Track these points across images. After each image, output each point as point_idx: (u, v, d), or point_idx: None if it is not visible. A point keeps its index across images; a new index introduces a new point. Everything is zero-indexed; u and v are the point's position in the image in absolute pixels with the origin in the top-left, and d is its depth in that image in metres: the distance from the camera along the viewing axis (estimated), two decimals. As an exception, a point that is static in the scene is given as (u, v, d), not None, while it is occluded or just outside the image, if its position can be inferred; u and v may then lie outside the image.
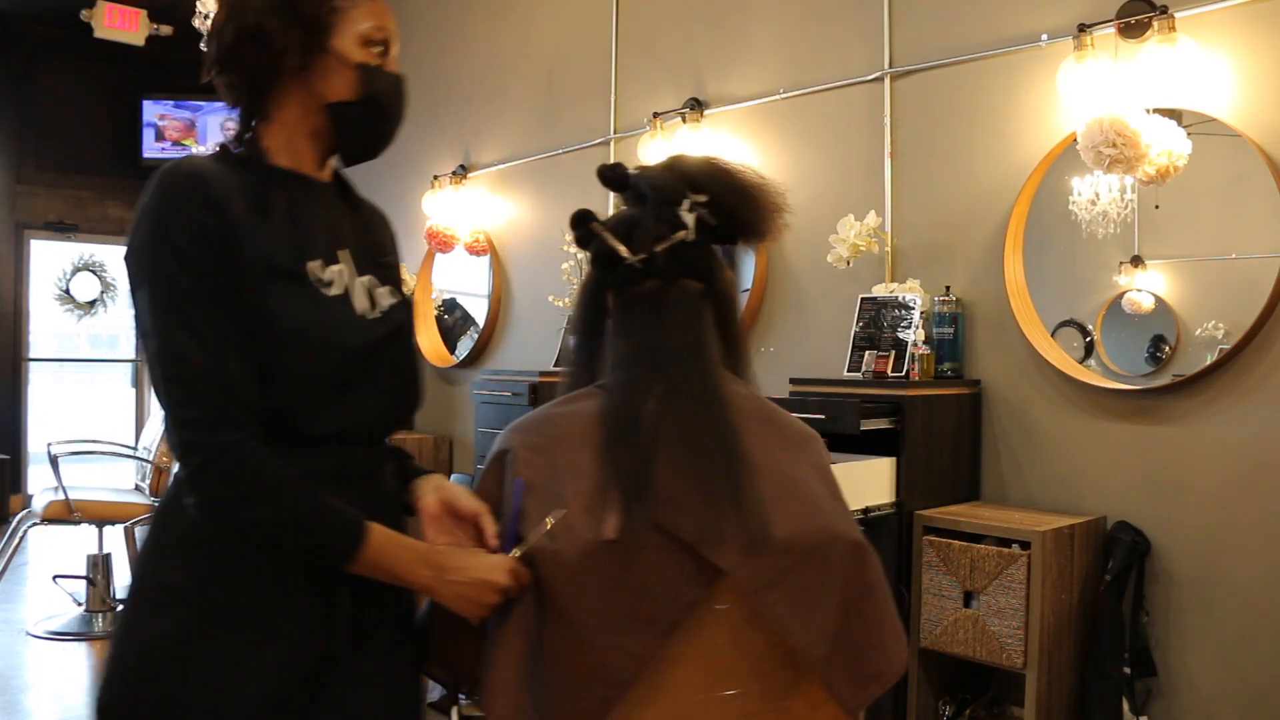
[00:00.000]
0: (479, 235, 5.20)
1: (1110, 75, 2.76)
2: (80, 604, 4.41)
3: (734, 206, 1.32)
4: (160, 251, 1.16)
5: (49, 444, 4.47)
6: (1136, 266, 2.87)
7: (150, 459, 4.63)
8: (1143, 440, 2.80)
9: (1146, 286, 2.86)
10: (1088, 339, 2.98)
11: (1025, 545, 2.62)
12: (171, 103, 7.26)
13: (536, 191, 4.98)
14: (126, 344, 8.43)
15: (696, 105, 4.02)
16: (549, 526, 1.20)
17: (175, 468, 1.21)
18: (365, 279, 1.32)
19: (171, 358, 1.16)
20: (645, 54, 4.41)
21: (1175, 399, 2.74)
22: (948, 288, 3.19)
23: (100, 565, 4.39)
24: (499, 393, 4.24)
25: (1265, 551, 2.56)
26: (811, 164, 3.67)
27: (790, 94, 3.75)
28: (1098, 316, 2.96)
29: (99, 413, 9.35)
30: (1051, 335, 3.02)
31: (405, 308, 1.37)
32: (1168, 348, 2.82)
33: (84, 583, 4.39)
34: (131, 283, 1.21)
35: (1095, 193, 2.91)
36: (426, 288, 5.61)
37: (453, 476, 4.88)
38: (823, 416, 2.82)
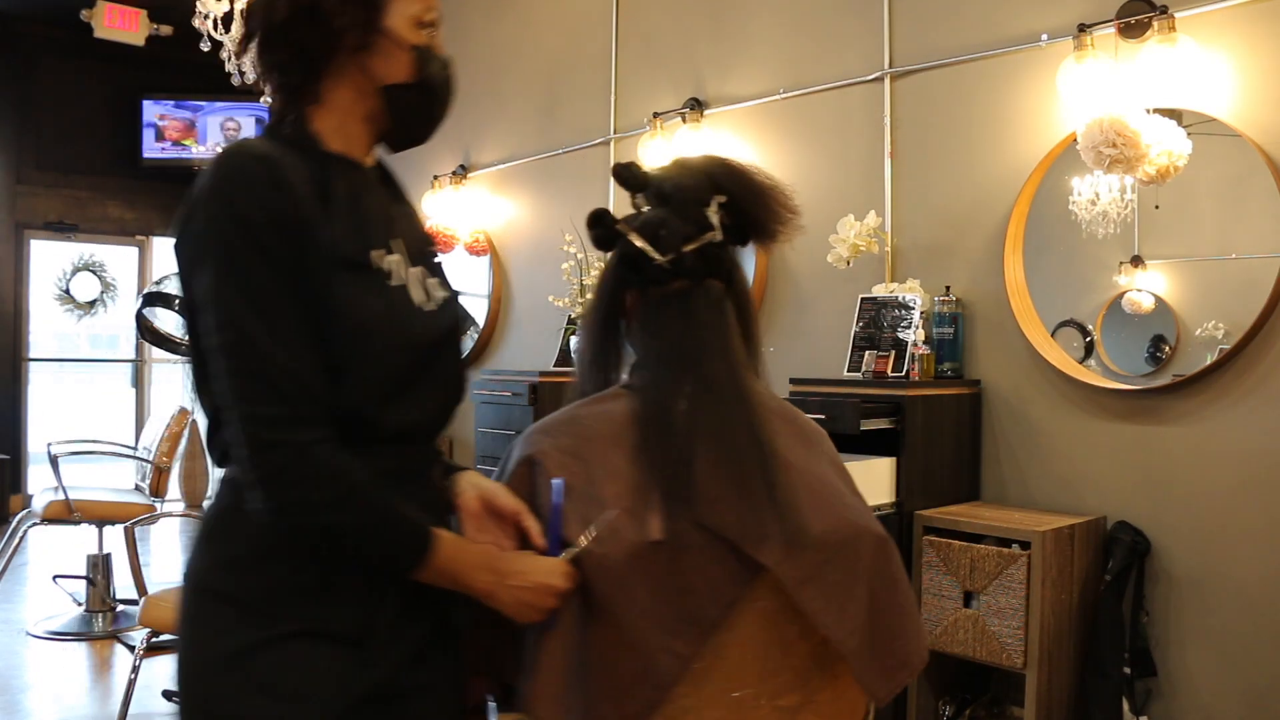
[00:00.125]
0: (479, 235, 5.21)
1: (1110, 75, 2.76)
2: (80, 604, 4.40)
3: (751, 207, 1.33)
4: (231, 236, 1.10)
5: (49, 444, 4.47)
6: (1136, 266, 2.87)
7: (150, 459, 4.63)
8: (1143, 440, 2.80)
9: (1146, 286, 2.86)
10: (1088, 339, 2.98)
11: (1025, 545, 2.62)
12: (171, 103, 7.26)
13: (536, 191, 4.98)
14: (126, 344, 8.43)
15: (696, 105, 4.02)
16: (601, 528, 1.19)
17: (210, 469, 1.17)
18: (417, 270, 1.27)
19: (245, 350, 1.09)
20: (645, 54, 4.41)
21: (1175, 399, 2.74)
22: (948, 288, 3.19)
23: (100, 565, 4.38)
24: (499, 393, 4.24)
25: (1265, 551, 2.56)
26: (811, 164, 3.67)
27: (790, 94, 3.75)
28: (1098, 316, 2.96)
29: (99, 413, 9.34)
30: (1051, 335, 3.02)
31: (457, 301, 1.33)
32: (1168, 348, 2.82)
33: (84, 583, 4.39)
34: (190, 269, 1.14)
35: (1095, 193, 2.91)
36: (426, 288, 5.60)
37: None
38: (823, 416, 2.82)
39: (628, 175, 1.38)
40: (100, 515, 4.30)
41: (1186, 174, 2.66)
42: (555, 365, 4.54)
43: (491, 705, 1.32)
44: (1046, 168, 2.99)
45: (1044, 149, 2.99)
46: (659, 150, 4.05)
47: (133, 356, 7.95)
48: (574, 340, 3.21)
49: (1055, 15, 2.97)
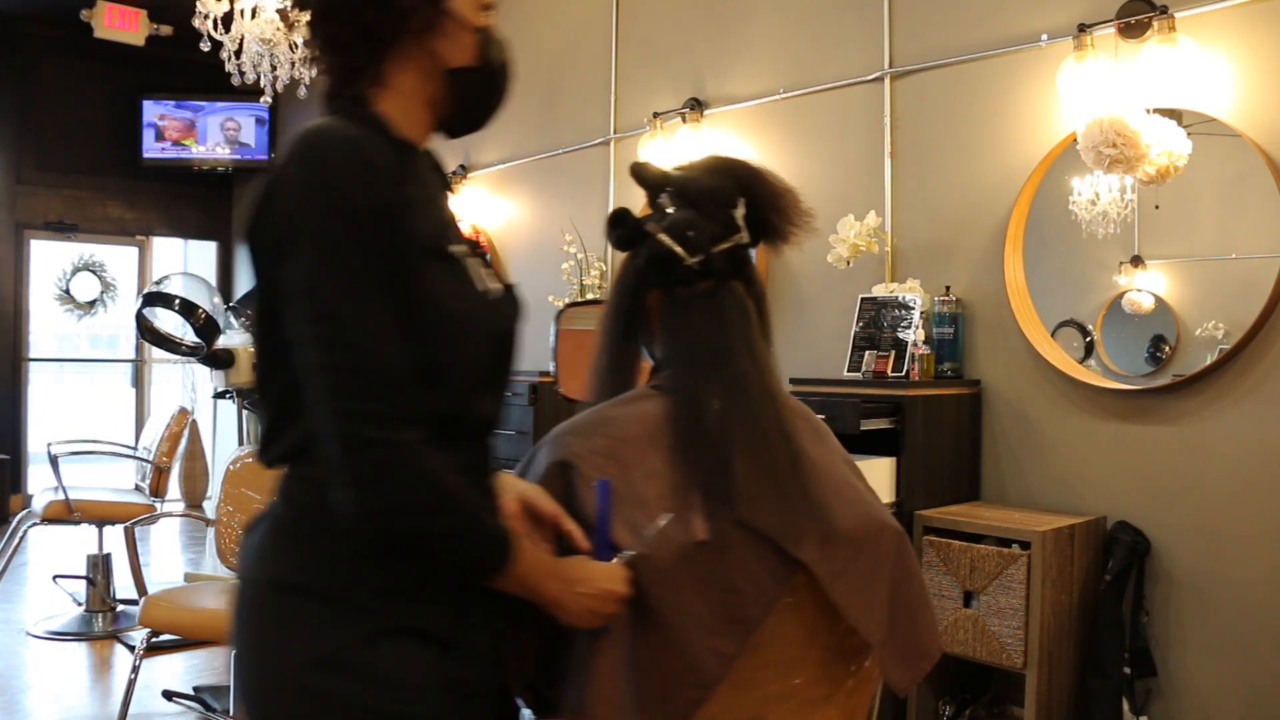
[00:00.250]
0: (479, 235, 5.21)
1: (1110, 75, 2.76)
2: (80, 604, 4.40)
3: (769, 210, 1.35)
4: (331, 223, 1.04)
5: (49, 444, 4.47)
6: (1136, 266, 2.87)
7: (150, 459, 4.62)
8: (1143, 440, 2.80)
9: (1146, 286, 2.86)
10: (1088, 339, 2.98)
11: (1025, 545, 2.62)
12: (172, 103, 7.25)
13: (536, 191, 4.98)
14: (126, 344, 8.43)
15: (696, 105, 4.02)
16: (659, 528, 1.20)
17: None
18: (475, 259, 1.22)
19: (344, 343, 1.04)
20: (645, 54, 4.41)
21: (1175, 399, 2.74)
22: (948, 288, 3.19)
23: (100, 565, 4.38)
24: (499, 393, 4.24)
25: (1266, 551, 2.56)
26: (811, 164, 3.67)
27: (790, 94, 3.75)
28: (1098, 316, 2.96)
29: (99, 413, 9.35)
30: (1051, 335, 3.02)
31: (516, 290, 1.29)
32: (1168, 348, 2.82)
33: (84, 583, 4.39)
34: (274, 257, 1.08)
35: (1095, 193, 2.91)
36: (426, 288, 5.60)
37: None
38: (823, 416, 2.80)
39: (646, 174, 1.38)
40: (100, 515, 4.30)
41: (1186, 174, 2.66)
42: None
43: (526, 712, 1.32)
44: (1046, 168, 2.99)
45: (1044, 149, 2.99)
46: (659, 150, 4.05)
47: (133, 356, 7.95)
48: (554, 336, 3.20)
49: (1055, 15, 2.97)
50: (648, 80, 4.36)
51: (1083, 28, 2.80)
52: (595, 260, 4.43)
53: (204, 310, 4.95)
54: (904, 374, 3.08)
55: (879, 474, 2.84)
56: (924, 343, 3.09)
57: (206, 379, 6.02)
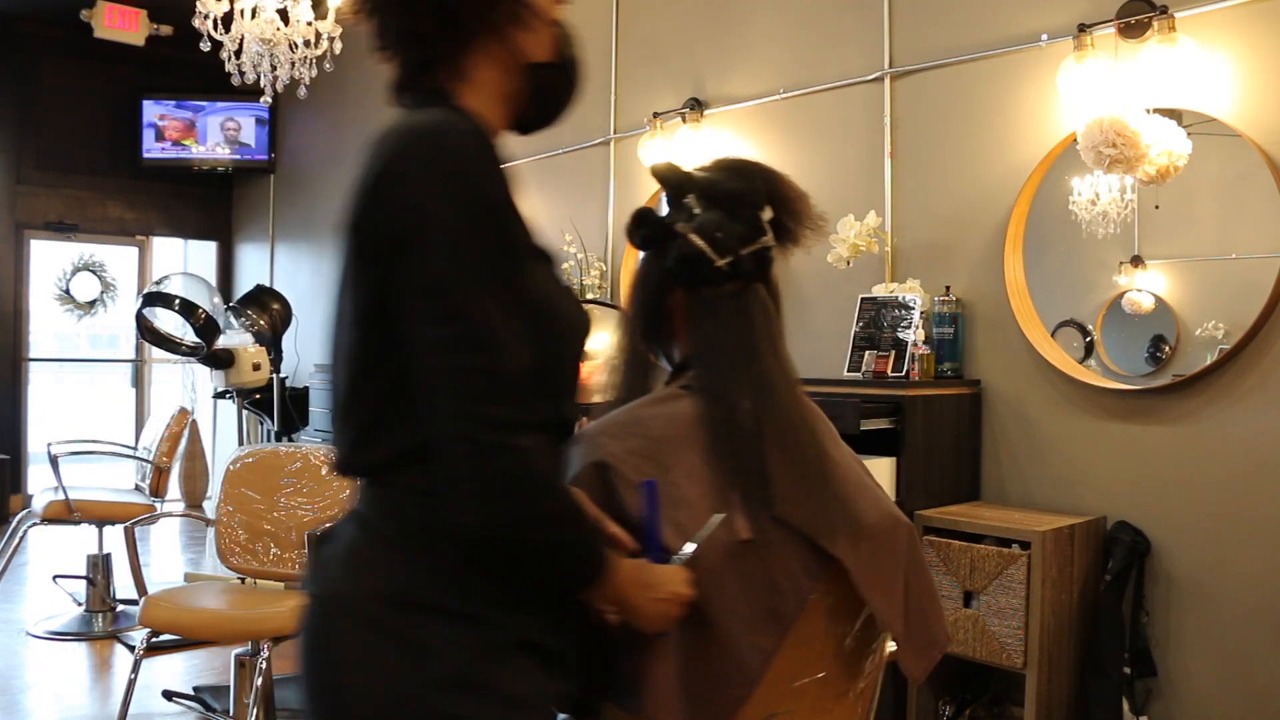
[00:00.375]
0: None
1: (1110, 75, 2.76)
2: (80, 604, 4.40)
3: (788, 214, 1.38)
4: (462, 221, 1.00)
5: (49, 444, 4.47)
6: (1136, 266, 2.87)
7: (150, 459, 4.62)
8: (1143, 440, 2.80)
9: (1146, 286, 2.86)
10: (1088, 339, 2.98)
11: (1025, 545, 2.62)
12: (172, 103, 7.26)
13: (536, 191, 4.98)
14: (126, 344, 8.43)
15: (696, 105, 4.02)
16: (713, 528, 1.21)
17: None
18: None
19: (477, 345, 0.99)
20: (645, 54, 4.41)
21: (1175, 399, 2.74)
22: (948, 288, 3.19)
23: (100, 565, 4.38)
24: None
25: (1266, 551, 2.56)
26: (811, 164, 3.67)
27: (790, 94, 3.75)
28: (1098, 316, 2.96)
29: (99, 413, 9.34)
30: (1051, 335, 3.02)
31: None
32: (1168, 348, 2.82)
33: (84, 583, 4.39)
34: (387, 251, 1.02)
35: (1095, 193, 2.91)
36: (426, 288, 5.60)
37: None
38: (823, 416, 2.81)
39: (669, 174, 1.39)
40: (100, 515, 4.30)
41: (1186, 174, 2.66)
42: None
43: (563, 717, 1.32)
44: (1046, 168, 2.99)
45: (1044, 149, 2.99)
46: (659, 150, 4.05)
47: (133, 356, 7.95)
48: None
49: (1055, 15, 2.97)
50: (648, 80, 4.36)
51: (1083, 28, 2.80)
52: (595, 260, 4.43)
53: (204, 310, 4.95)
54: (904, 374, 3.08)
55: (879, 474, 2.83)
56: (924, 343, 3.09)
57: (206, 379, 6.02)
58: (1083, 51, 2.79)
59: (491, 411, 0.99)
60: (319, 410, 5.68)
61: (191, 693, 3.46)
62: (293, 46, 3.98)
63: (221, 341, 5.11)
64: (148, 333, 5.11)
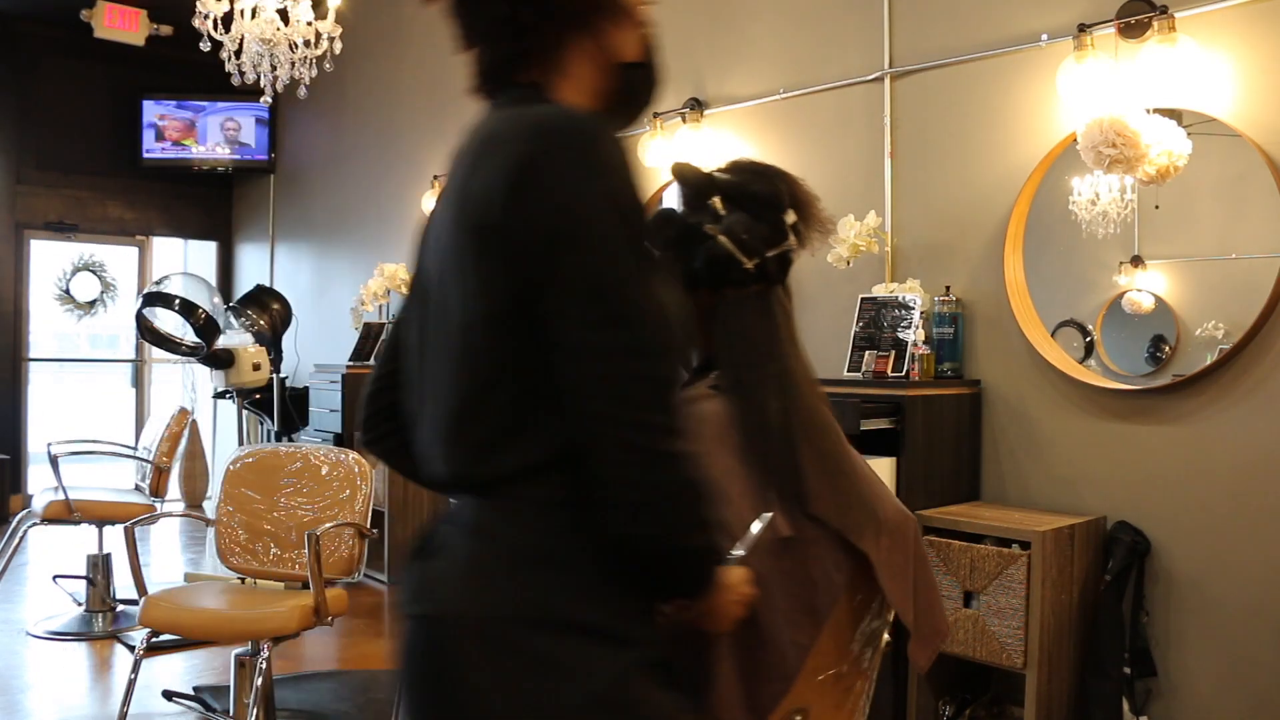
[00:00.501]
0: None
1: (1110, 75, 2.76)
2: (80, 604, 4.40)
3: (805, 217, 1.40)
4: (618, 224, 0.97)
5: (49, 444, 4.47)
6: (1136, 266, 2.87)
7: (150, 459, 4.62)
8: (1143, 440, 2.80)
9: (1146, 286, 2.86)
10: (1088, 339, 2.98)
11: (1025, 545, 2.62)
12: (172, 103, 7.26)
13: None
14: (126, 344, 8.43)
15: (696, 105, 4.02)
16: (764, 526, 1.23)
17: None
18: None
19: (642, 351, 0.96)
20: (645, 54, 4.41)
21: (1175, 399, 2.74)
22: (948, 288, 3.19)
23: (100, 565, 4.38)
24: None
25: (1266, 551, 2.56)
26: (811, 164, 3.67)
27: (790, 94, 3.75)
28: (1098, 316, 2.96)
29: (99, 413, 9.34)
30: (1051, 335, 3.02)
31: None
32: (1168, 348, 2.82)
33: (84, 583, 4.39)
34: (547, 255, 0.97)
35: (1095, 193, 2.91)
36: (426, 288, 5.60)
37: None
38: (823, 416, 2.82)
39: (692, 175, 1.41)
40: (100, 515, 4.30)
41: (1186, 174, 2.66)
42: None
43: None
44: (1046, 168, 2.99)
45: (1044, 149, 2.99)
46: (659, 150, 4.05)
47: (133, 356, 7.95)
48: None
49: (1055, 15, 2.97)
50: (648, 80, 4.36)
51: (1083, 28, 2.80)
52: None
53: (204, 310, 4.95)
54: (904, 374, 3.08)
55: (879, 474, 2.83)
56: (924, 343, 3.09)
57: (206, 379, 6.02)
58: (1083, 51, 2.79)
59: (657, 419, 0.96)
60: (319, 410, 5.68)
61: (191, 693, 3.46)
62: (293, 46, 3.98)
63: (221, 341, 5.11)
64: (148, 333, 5.11)
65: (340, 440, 5.36)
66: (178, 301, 4.93)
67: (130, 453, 4.98)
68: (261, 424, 6.23)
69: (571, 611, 1.01)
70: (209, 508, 6.67)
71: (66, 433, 4.92)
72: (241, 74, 4.03)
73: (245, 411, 5.60)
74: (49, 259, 7.29)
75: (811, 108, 3.70)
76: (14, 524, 4.47)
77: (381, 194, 6.11)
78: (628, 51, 1.16)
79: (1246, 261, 2.67)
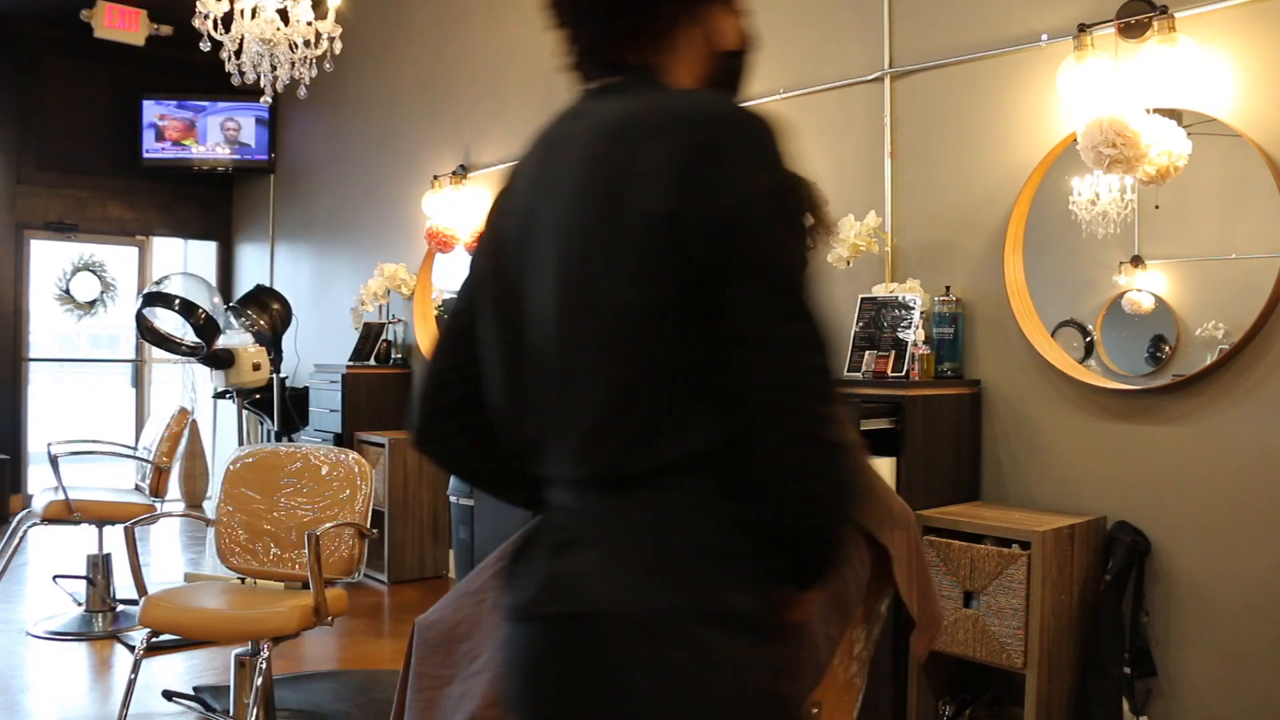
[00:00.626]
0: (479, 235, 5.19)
1: (1110, 75, 2.76)
2: (80, 604, 4.40)
3: (816, 219, 1.42)
4: (795, 218, 0.99)
5: (49, 444, 4.47)
6: (1136, 266, 2.87)
7: (150, 459, 4.62)
8: (1143, 440, 2.80)
9: (1146, 286, 2.86)
10: (1088, 339, 2.98)
11: (1025, 545, 2.62)
12: (173, 103, 7.26)
13: (536, 191, 4.97)
14: (126, 344, 8.43)
15: (696, 105, 4.02)
16: None
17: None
18: None
19: (820, 344, 0.97)
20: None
21: (1175, 399, 2.74)
22: (948, 288, 3.19)
23: (100, 565, 4.38)
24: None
25: (1266, 551, 2.56)
26: (811, 164, 3.67)
27: (790, 94, 3.75)
28: (1098, 316, 2.96)
29: (99, 413, 9.35)
30: (1051, 335, 3.02)
31: None
32: (1168, 348, 2.82)
33: (84, 583, 4.39)
34: (725, 244, 0.96)
35: (1095, 193, 2.91)
36: (426, 288, 5.61)
37: (452, 477, 4.88)
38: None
39: None
40: (100, 515, 4.30)
41: (1186, 174, 2.66)
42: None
43: None
44: (1046, 168, 2.99)
45: (1044, 149, 2.99)
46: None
47: (133, 356, 7.95)
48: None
49: (1055, 15, 2.97)
50: (648, 80, 4.36)
51: (1083, 28, 2.80)
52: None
53: (204, 310, 4.95)
54: (904, 374, 3.08)
55: (879, 474, 2.84)
56: (924, 343, 3.09)
57: (206, 379, 6.02)
58: (1083, 51, 2.79)
59: (831, 411, 0.96)
60: (319, 410, 5.68)
61: (191, 693, 3.46)
62: (293, 46, 3.98)
63: (221, 341, 5.11)
64: (148, 333, 5.11)
65: (340, 440, 5.37)
66: (178, 301, 4.93)
67: (130, 453, 4.99)
68: (261, 424, 6.23)
69: (731, 603, 0.99)
70: (209, 508, 6.67)
71: (66, 433, 4.93)
72: (241, 74, 4.03)
73: (245, 411, 5.60)
74: (49, 259, 7.29)
75: (811, 108, 3.70)
76: (14, 524, 4.47)
77: (381, 194, 6.11)
78: (728, 39, 1.15)
79: (1246, 261, 2.67)
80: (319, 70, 4.17)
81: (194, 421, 6.75)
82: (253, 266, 7.69)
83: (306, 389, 5.87)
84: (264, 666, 2.80)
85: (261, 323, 5.44)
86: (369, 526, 3.00)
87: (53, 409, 9.29)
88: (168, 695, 3.44)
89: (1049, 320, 3.03)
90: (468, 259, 5.87)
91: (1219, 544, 2.65)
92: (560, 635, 1.00)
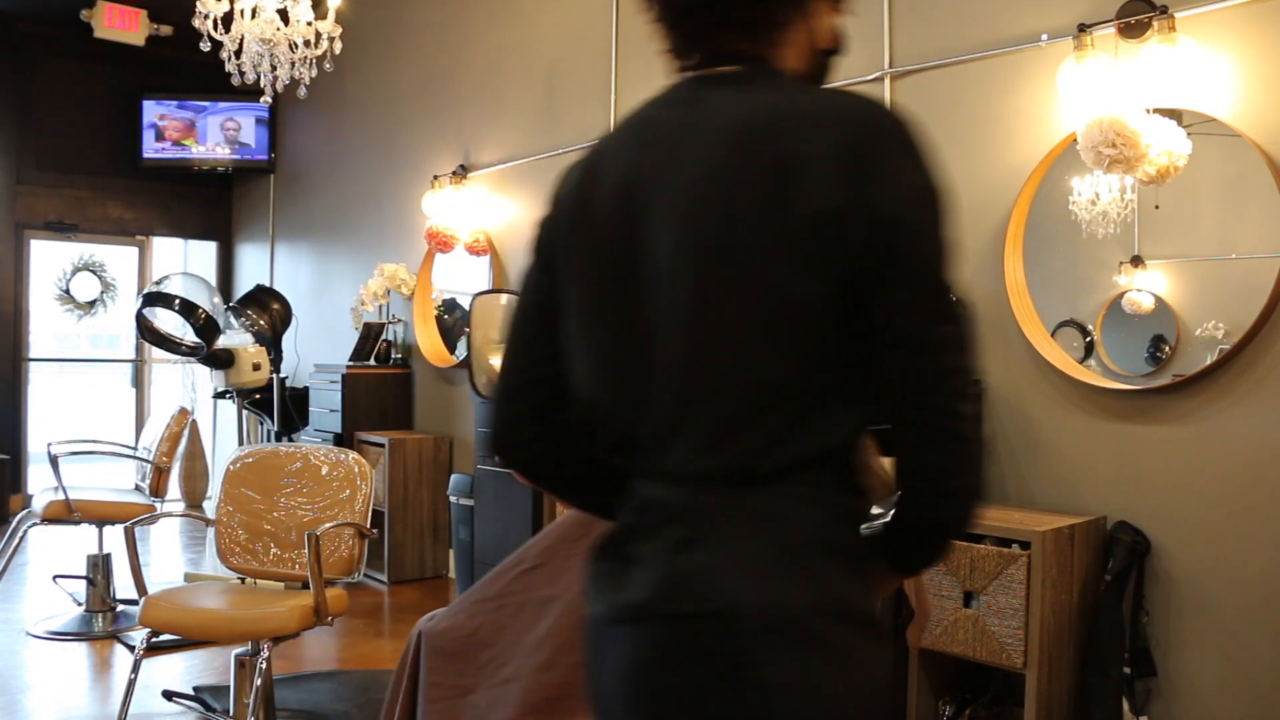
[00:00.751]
0: (479, 235, 5.20)
1: (1110, 75, 2.75)
2: (80, 604, 4.40)
3: None
4: (943, 215, 1.03)
5: (49, 444, 4.47)
6: (1136, 266, 2.87)
7: (150, 459, 4.63)
8: (1143, 440, 2.80)
9: (1146, 286, 2.86)
10: (1088, 339, 2.98)
11: (1025, 545, 2.62)
12: (172, 103, 7.26)
13: (536, 191, 4.98)
14: (126, 344, 8.43)
15: (696, 105, 4.02)
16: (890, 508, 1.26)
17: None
18: None
19: (967, 344, 1.01)
20: (645, 54, 4.41)
21: (1175, 399, 2.74)
22: (948, 288, 3.19)
23: (100, 565, 4.38)
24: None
25: (1266, 551, 2.56)
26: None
27: (790, 94, 3.75)
28: (1098, 316, 2.96)
29: (99, 413, 9.35)
30: (1051, 335, 3.02)
31: None
32: (1168, 348, 2.82)
33: (84, 583, 4.39)
34: (887, 242, 0.98)
35: (1095, 193, 2.91)
36: (426, 288, 5.61)
37: (453, 477, 4.88)
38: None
39: None
40: (100, 515, 4.30)
41: (1186, 174, 2.66)
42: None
43: None
44: (1046, 168, 2.99)
45: (1044, 149, 2.99)
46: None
47: (133, 356, 7.95)
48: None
49: (1055, 15, 2.97)
50: (648, 80, 4.35)
51: (1083, 28, 2.80)
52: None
53: (204, 310, 4.95)
54: (904, 374, 3.08)
55: (879, 474, 2.84)
56: (924, 343, 3.09)
57: (206, 379, 6.02)
58: (1083, 51, 2.79)
59: (976, 411, 1.02)
60: (319, 410, 5.68)
61: (191, 693, 3.46)
62: (293, 46, 3.98)
63: (221, 341, 5.11)
64: (148, 333, 5.11)
65: (340, 440, 5.37)
66: (178, 301, 4.93)
67: (130, 453, 4.99)
68: (261, 424, 6.23)
69: (860, 601, 1.01)
70: (209, 508, 6.67)
71: (66, 433, 4.93)
72: (241, 74, 4.03)
73: (245, 411, 5.60)
74: (49, 259, 7.29)
75: (811, 108, 3.70)
76: (14, 524, 4.47)
77: (381, 194, 6.11)
78: (826, 37, 1.15)
79: (1246, 261, 2.67)
80: (319, 70, 4.17)
81: (194, 421, 6.75)
82: (253, 266, 7.69)
83: (306, 389, 5.87)
84: (264, 666, 2.81)
85: (261, 323, 5.44)
86: (369, 526, 3.00)
87: (53, 409, 9.29)
88: (168, 695, 3.44)
89: (1049, 320, 3.03)
90: (467, 259, 5.78)
91: (1219, 544, 2.65)
92: (690, 635, 0.98)
